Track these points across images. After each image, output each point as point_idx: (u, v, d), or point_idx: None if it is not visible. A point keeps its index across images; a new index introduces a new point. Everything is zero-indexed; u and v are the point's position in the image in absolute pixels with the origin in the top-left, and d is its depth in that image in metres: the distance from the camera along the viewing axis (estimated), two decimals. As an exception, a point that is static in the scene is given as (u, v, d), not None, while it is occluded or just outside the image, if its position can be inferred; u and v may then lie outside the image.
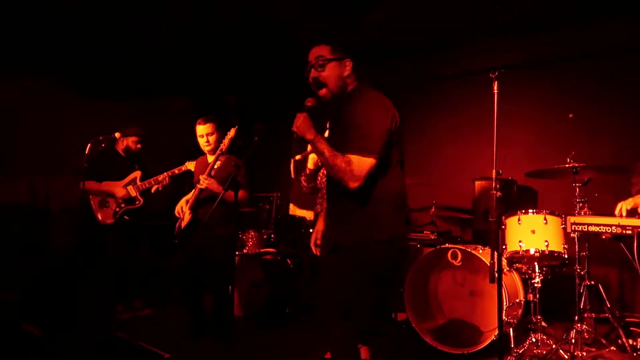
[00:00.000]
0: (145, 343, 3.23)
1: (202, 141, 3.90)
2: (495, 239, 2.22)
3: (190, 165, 4.07)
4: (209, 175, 3.74)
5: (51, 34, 5.12)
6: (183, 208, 3.92)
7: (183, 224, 3.86)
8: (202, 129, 3.89)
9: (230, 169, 3.61)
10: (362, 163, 2.11)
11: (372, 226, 2.21)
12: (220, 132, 3.90)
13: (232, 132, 3.71)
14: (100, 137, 4.18)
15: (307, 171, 3.39)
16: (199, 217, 3.83)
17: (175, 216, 3.97)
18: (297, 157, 3.30)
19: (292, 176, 3.48)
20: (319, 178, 3.48)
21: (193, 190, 3.93)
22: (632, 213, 2.61)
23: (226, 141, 3.71)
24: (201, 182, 3.71)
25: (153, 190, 4.47)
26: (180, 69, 6.32)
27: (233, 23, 4.93)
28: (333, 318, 2.29)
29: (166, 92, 6.70)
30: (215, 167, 3.82)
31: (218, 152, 3.74)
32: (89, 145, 4.01)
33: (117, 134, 4.34)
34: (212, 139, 3.88)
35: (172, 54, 5.87)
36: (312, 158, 3.31)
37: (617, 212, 2.61)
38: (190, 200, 3.84)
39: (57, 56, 5.43)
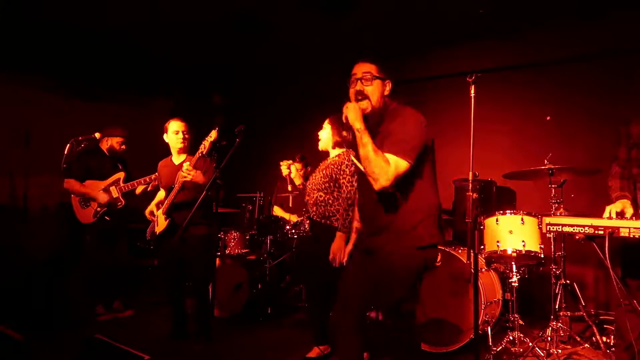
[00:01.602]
0: (125, 345, 3.20)
1: (176, 138, 3.78)
2: (471, 239, 2.26)
3: None
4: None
5: (30, 34, 5.06)
6: (154, 212, 3.86)
7: (158, 230, 3.79)
8: (179, 125, 3.79)
9: (201, 168, 3.60)
10: (398, 164, 2.21)
11: (412, 234, 2.31)
12: (192, 134, 3.83)
13: (213, 135, 3.50)
14: (80, 137, 4.15)
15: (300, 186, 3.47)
16: (176, 222, 3.70)
17: (147, 220, 3.95)
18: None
19: (285, 176, 3.51)
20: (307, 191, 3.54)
21: (161, 194, 3.90)
22: (620, 216, 2.68)
23: (207, 144, 3.49)
24: (185, 174, 3.50)
25: (139, 192, 4.44)
26: (163, 69, 6.29)
27: (216, 22, 4.92)
28: (351, 322, 2.36)
29: (149, 92, 6.66)
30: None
31: (198, 154, 3.54)
32: (68, 145, 3.98)
33: (97, 134, 4.30)
34: (186, 136, 3.80)
35: (155, 54, 5.83)
36: (297, 175, 3.35)
37: (605, 215, 2.68)
38: (166, 205, 3.73)
39: (38, 56, 5.36)
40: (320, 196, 3.37)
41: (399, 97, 2.50)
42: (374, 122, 2.42)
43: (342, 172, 3.32)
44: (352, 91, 2.43)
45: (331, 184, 3.33)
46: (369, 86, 2.40)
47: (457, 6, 4.44)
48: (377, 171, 2.20)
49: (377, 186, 2.22)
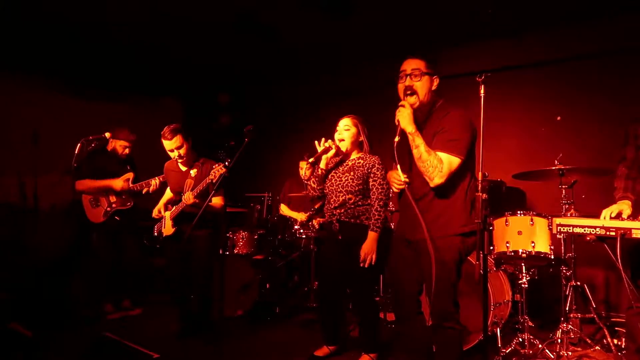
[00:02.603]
0: (134, 343, 3.22)
1: (173, 155, 3.74)
2: (480, 240, 2.25)
3: None
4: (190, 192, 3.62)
5: (38, 34, 5.10)
6: (161, 211, 3.89)
7: (165, 233, 3.84)
8: (169, 144, 3.66)
9: (206, 173, 3.56)
10: (451, 161, 2.37)
11: (453, 222, 2.47)
12: (189, 140, 3.74)
13: (222, 169, 3.30)
14: (90, 137, 4.17)
15: (320, 172, 3.42)
16: (183, 230, 3.77)
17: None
18: (311, 159, 3.35)
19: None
20: (326, 183, 3.49)
21: (168, 193, 3.93)
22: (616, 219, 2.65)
23: (217, 174, 3.33)
24: (187, 199, 3.61)
25: (144, 192, 4.46)
26: (170, 69, 6.31)
27: (223, 23, 4.92)
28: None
29: (156, 92, 6.69)
30: (193, 175, 3.70)
31: (207, 180, 3.46)
32: (79, 145, 4.00)
33: (107, 134, 4.32)
34: (183, 151, 3.69)
35: (163, 54, 5.86)
36: (325, 158, 3.35)
37: (600, 219, 2.65)
38: (174, 212, 3.79)
39: (46, 57, 5.41)
40: (350, 199, 3.32)
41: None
42: (421, 116, 2.54)
43: (373, 175, 3.30)
44: (400, 86, 2.55)
45: (364, 186, 3.31)
46: (418, 82, 2.51)
47: (464, 6, 4.41)
48: (431, 170, 2.36)
49: (432, 184, 2.39)
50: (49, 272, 4.92)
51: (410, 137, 2.40)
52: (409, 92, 2.52)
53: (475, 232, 2.48)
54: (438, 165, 2.35)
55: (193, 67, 6.37)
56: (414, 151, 2.40)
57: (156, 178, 4.29)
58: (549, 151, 4.06)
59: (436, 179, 2.36)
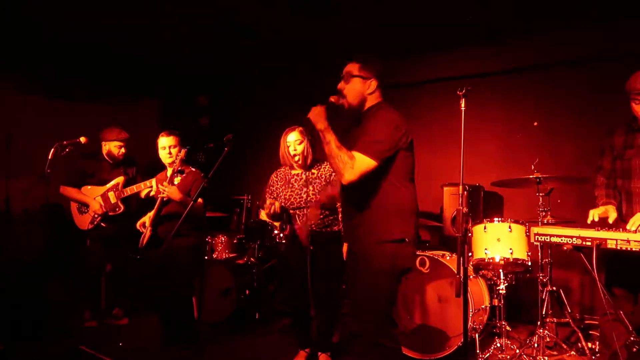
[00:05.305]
0: (110, 356, 3.15)
1: (164, 153, 3.86)
2: (461, 251, 2.27)
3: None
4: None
5: (10, 32, 4.95)
6: (145, 223, 3.87)
7: (144, 241, 3.82)
8: (166, 141, 3.85)
9: (189, 183, 3.75)
10: (363, 161, 2.28)
11: (380, 229, 2.37)
12: (181, 147, 3.88)
13: (182, 154, 3.70)
14: (65, 142, 4.05)
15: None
16: (159, 235, 3.80)
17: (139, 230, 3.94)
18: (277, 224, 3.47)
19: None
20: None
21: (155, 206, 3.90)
22: (602, 221, 2.71)
23: (177, 161, 3.68)
24: (161, 189, 3.65)
25: (144, 195, 4.34)
26: (149, 69, 6.20)
27: (203, 23, 4.85)
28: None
29: (135, 93, 6.56)
30: (176, 183, 3.76)
31: (172, 172, 3.71)
32: (53, 150, 3.90)
33: (82, 139, 4.19)
34: (174, 151, 3.84)
35: (141, 54, 5.76)
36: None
37: (589, 220, 2.71)
38: (151, 216, 3.79)
39: (19, 56, 5.25)
40: (322, 213, 3.34)
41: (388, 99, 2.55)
42: (354, 120, 2.51)
43: (333, 182, 3.30)
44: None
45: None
46: (346, 85, 2.49)
47: (443, 12, 4.43)
48: (341, 166, 2.29)
49: (343, 180, 2.31)
50: (22, 279, 4.77)
51: (321, 134, 2.36)
52: (340, 94, 2.51)
53: (404, 240, 2.38)
54: (349, 162, 2.27)
55: (173, 68, 6.28)
56: (325, 148, 2.35)
57: (153, 180, 4.19)
58: (526, 156, 4.12)
59: (346, 175, 2.28)
